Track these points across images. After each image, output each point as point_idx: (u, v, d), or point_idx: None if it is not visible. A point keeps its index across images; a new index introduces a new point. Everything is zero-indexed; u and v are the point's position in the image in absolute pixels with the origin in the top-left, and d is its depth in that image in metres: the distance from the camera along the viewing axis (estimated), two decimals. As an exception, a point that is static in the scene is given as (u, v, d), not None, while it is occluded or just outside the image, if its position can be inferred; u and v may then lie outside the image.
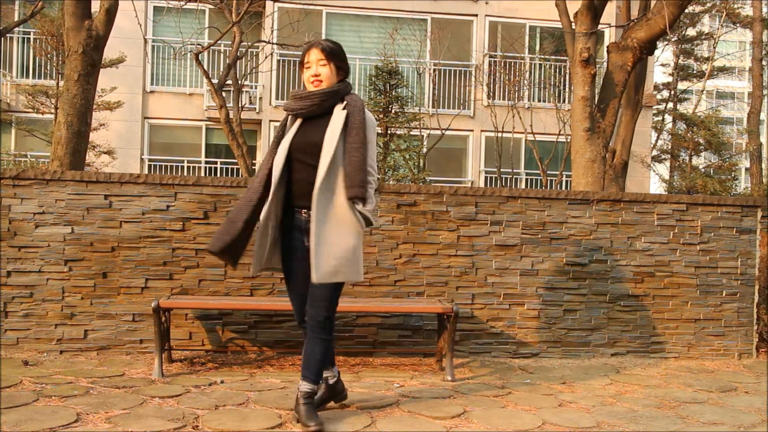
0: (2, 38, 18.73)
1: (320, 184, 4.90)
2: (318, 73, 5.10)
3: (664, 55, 37.44)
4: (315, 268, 4.88)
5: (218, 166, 23.36)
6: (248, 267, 5.57)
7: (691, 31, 35.10)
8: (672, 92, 35.93)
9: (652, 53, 11.80)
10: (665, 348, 8.13)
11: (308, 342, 5.08)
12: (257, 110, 23.08)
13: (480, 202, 7.79)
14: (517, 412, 5.65)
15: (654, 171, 28.84)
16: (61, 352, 7.12)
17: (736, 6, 33.62)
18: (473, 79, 24.08)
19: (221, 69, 18.84)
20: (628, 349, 8.05)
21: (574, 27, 11.62)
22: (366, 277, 7.51)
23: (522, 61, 24.31)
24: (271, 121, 22.98)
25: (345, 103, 5.10)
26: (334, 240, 4.91)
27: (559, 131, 22.11)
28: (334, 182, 4.94)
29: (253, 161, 21.90)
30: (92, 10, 10.15)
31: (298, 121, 5.19)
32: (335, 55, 5.14)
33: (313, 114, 5.13)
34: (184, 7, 16.23)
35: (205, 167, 23.40)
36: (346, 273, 4.95)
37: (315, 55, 5.11)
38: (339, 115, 5.05)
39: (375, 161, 5.10)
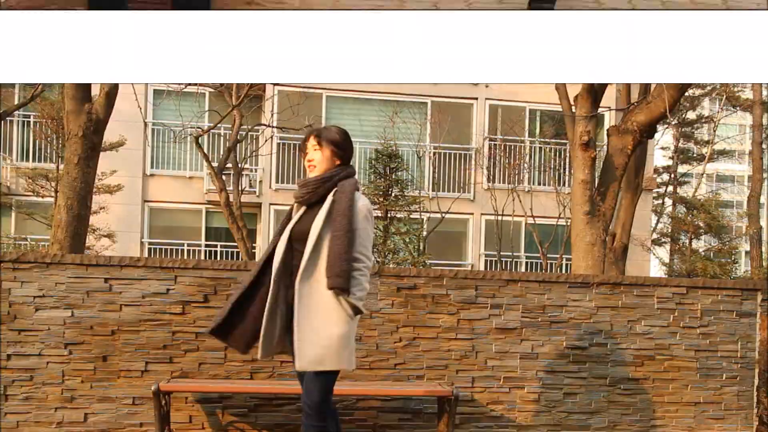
0: (2, 121, 18.87)
1: (302, 272, 4.94)
2: (311, 158, 5.18)
3: (664, 138, 37.65)
4: (297, 356, 4.88)
5: (218, 249, 23.35)
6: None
7: (691, 115, 35.31)
8: (672, 175, 36.11)
9: (652, 136, 11.91)
10: (665, 431, 8.09)
11: (303, 430, 5.06)
12: (257, 193, 23.16)
13: (480, 286, 7.80)
14: (518, 498, 5.61)
15: (654, 254, 28.89)
16: (60, 436, 7.09)
17: (736, 89, 33.85)
18: (473, 162, 24.22)
19: (221, 152, 18.99)
20: (630, 433, 8.01)
21: (574, 110, 11.73)
22: (366, 360, 7.49)
23: (522, 144, 24.46)
24: (271, 204, 23.03)
25: (335, 189, 5.15)
26: (318, 328, 4.88)
27: (559, 214, 22.11)
28: (317, 270, 4.95)
29: (254, 244, 21.88)
30: (92, 94, 10.26)
31: (302, 209, 5.27)
32: (329, 140, 5.19)
33: (310, 201, 5.19)
34: (184, 90, 16.40)
35: (206, 250, 23.39)
36: (332, 362, 4.89)
37: (310, 141, 5.20)
38: (327, 202, 5.09)
39: (367, 247, 5.09)
